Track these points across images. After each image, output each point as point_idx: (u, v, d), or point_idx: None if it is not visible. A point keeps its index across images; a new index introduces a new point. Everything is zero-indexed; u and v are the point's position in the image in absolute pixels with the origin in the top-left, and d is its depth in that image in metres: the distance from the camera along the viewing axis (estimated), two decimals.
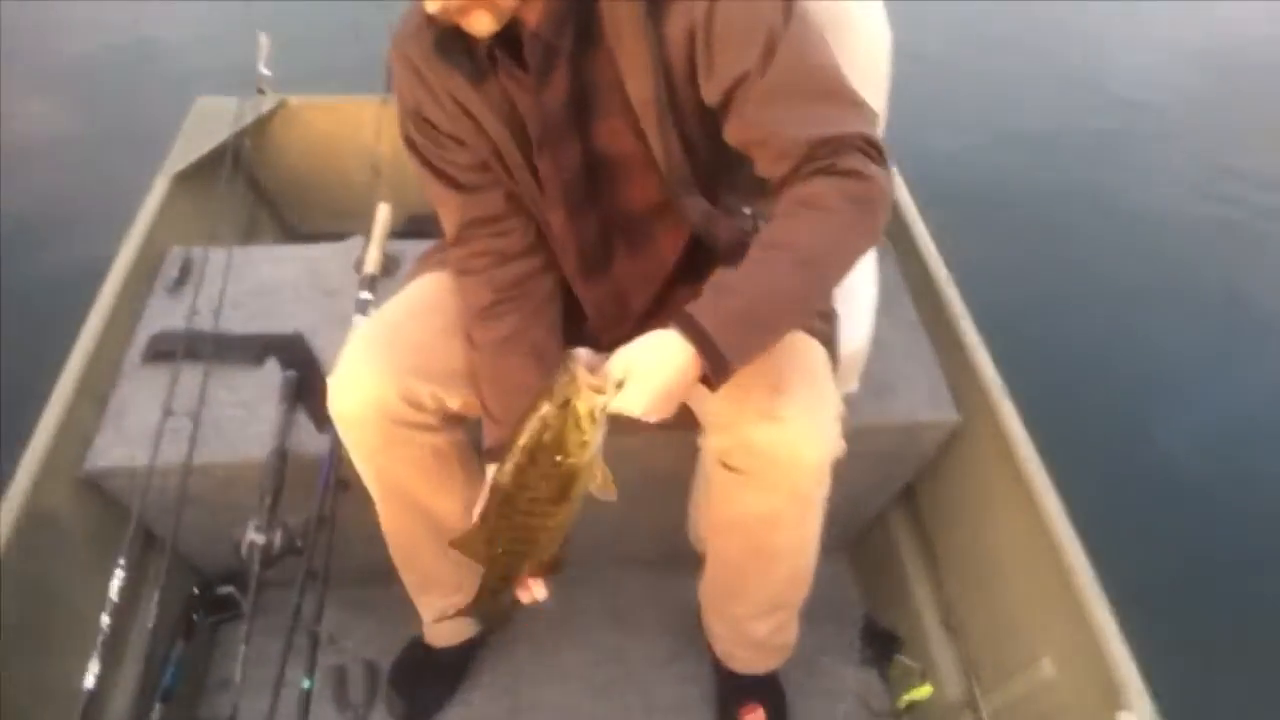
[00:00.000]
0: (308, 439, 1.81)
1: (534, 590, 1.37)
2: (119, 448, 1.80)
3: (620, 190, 1.43)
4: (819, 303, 1.39)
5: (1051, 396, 2.23)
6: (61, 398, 1.81)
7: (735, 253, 1.26)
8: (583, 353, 1.15)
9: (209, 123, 2.54)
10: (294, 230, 2.82)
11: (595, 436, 1.16)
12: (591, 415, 1.14)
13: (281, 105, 2.65)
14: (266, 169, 2.68)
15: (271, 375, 1.92)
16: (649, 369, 1.15)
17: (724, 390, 1.43)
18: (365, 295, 2.03)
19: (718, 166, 1.41)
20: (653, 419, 1.17)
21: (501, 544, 1.29)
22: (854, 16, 1.65)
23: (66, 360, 1.88)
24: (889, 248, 2.24)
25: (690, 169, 1.37)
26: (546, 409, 1.15)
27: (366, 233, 2.21)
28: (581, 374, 1.13)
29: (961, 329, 1.98)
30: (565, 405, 1.13)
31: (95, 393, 1.88)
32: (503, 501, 1.23)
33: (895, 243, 2.24)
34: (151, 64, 4.31)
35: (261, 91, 2.56)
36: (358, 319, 1.97)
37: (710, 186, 1.43)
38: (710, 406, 1.48)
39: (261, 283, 2.15)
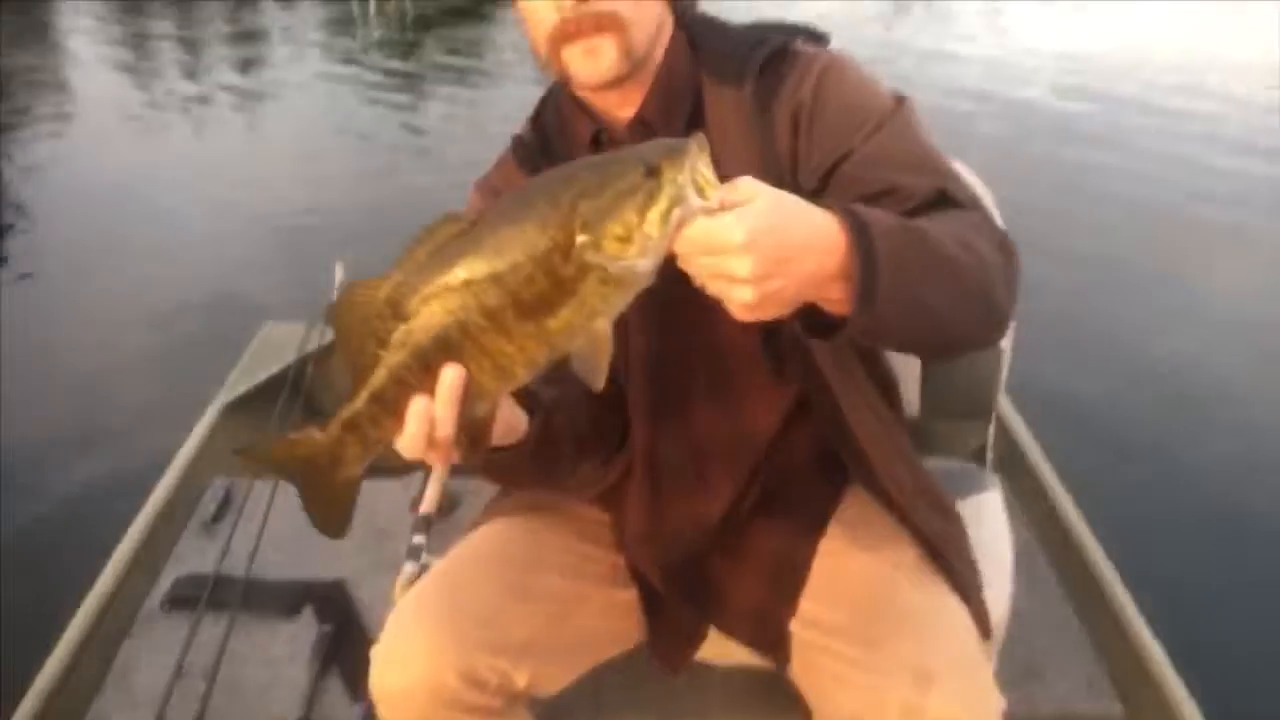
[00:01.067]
0: (338, 710, 1.54)
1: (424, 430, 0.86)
2: (119, 713, 1.55)
3: (712, 326, 1.19)
4: (968, 311, 1.04)
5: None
6: (65, 649, 1.61)
7: (850, 431, 1.16)
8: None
9: (273, 348, 2.46)
10: None
11: (646, 250, 0.78)
12: (667, 212, 0.78)
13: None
14: (328, 395, 2.55)
15: (305, 628, 1.69)
16: (778, 209, 0.84)
17: (853, 672, 1.15)
18: (419, 539, 1.81)
19: None
20: (741, 271, 0.81)
21: (411, 330, 0.82)
22: None
23: (79, 605, 1.68)
24: (1010, 491, 1.98)
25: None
26: (621, 156, 0.80)
27: (424, 466, 2.03)
28: (696, 151, 0.79)
29: (1114, 598, 1.69)
30: (654, 174, 0.78)
31: (105, 644, 1.67)
32: (460, 273, 0.80)
33: (1018, 493, 1.98)
34: (230, 288, 4.42)
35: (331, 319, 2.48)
36: (409, 566, 1.74)
37: None
38: (831, 695, 1.19)
39: (306, 519, 1.95)
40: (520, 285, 0.80)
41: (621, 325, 1.17)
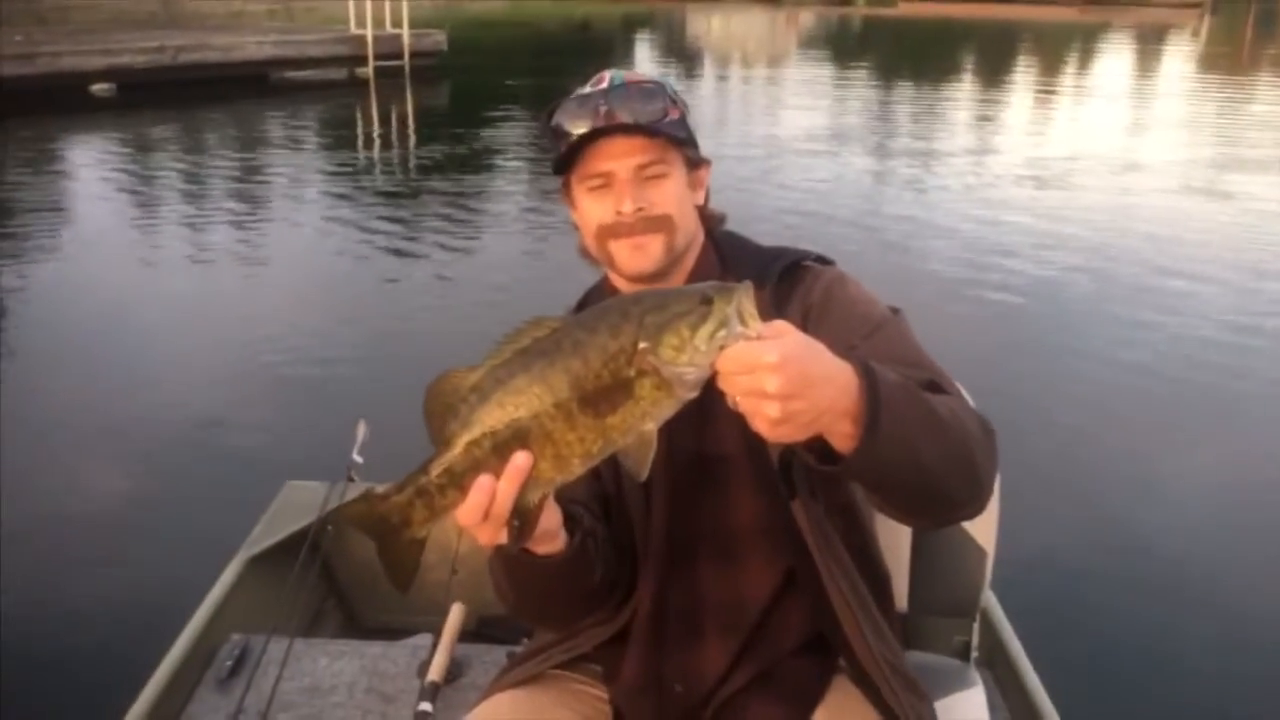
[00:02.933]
0: None
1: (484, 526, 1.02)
2: None
3: (724, 500, 1.37)
4: (953, 468, 1.15)
5: None
6: None
7: (833, 611, 1.29)
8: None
9: (295, 507, 2.54)
10: (359, 622, 2.72)
11: (695, 361, 0.94)
12: (714, 332, 0.94)
13: (369, 492, 2.66)
14: (341, 557, 2.64)
15: None
16: (807, 344, 0.98)
17: None
18: (425, 706, 1.88)
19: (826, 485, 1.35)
20: (771, 387, 0.93)
21: (491, 415, 0.97)
22: None
23: None
24: (993, 688, 2.04)
25: (807, 474, 1.29)
26: (682, 289, 0.97)
27: (433, 629, 2.11)
28: (744, 292, 0.96)
29: None
30: (707, 303, 0.95)
31: None
32: (540, 367, 0.96)
33: (1001, 690, 2.04)
34: (253, 446, 4.48)
35: (351, 479, 2.58)
36: None
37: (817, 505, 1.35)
38: None
39: (317, 681, 2.02)
40: (589, 381, 0.96)
41: (646, 499, 1.33)
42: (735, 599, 1.40)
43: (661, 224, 1.33)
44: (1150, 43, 30.65)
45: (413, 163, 12.13)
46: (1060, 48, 29.12)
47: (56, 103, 14.08)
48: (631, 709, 1.43)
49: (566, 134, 1.34)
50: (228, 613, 2.18)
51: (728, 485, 1.37)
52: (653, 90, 1.35)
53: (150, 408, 4.88)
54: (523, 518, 1.02)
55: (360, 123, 15.15)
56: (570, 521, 1.24)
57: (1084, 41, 30.88)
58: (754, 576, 1.40)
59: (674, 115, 1.36)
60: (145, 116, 14.30)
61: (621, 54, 26.37)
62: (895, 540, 1.73)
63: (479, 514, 1.00)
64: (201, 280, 7.13)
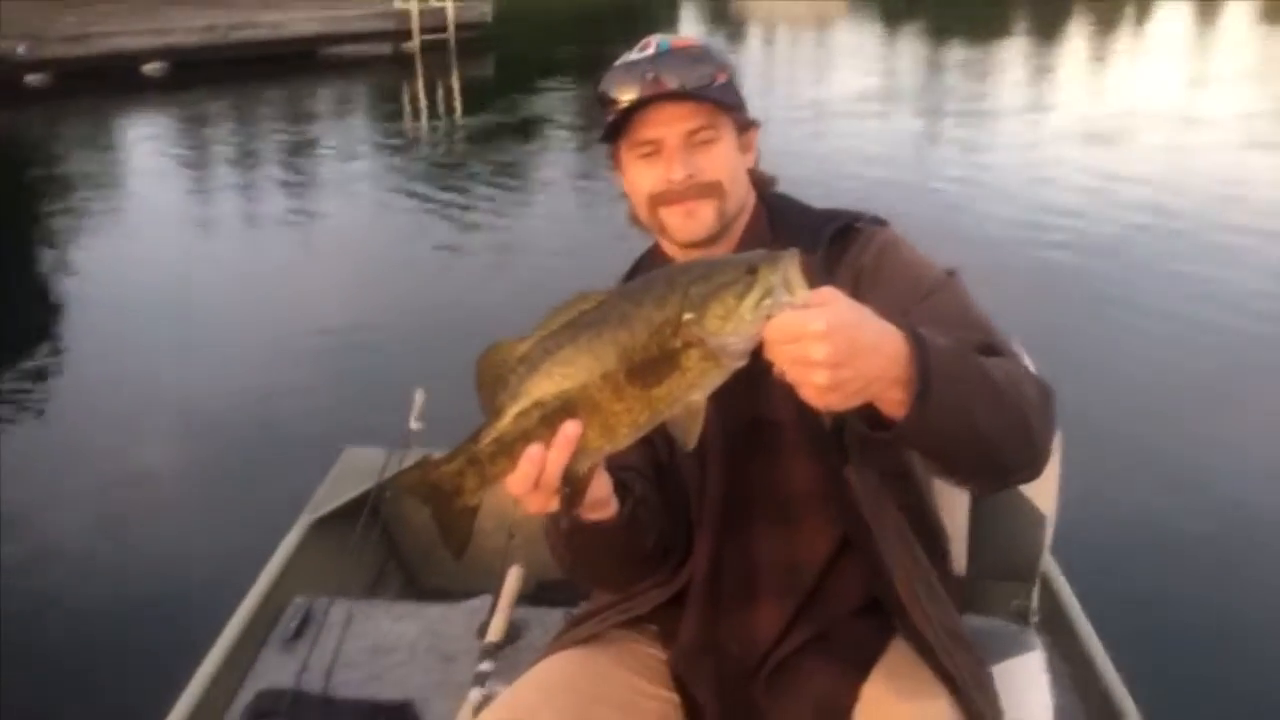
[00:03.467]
0: None
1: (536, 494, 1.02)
2: None
3: (778, 464, 1.37)
4: (1008, 432, 1.13)
5: None
6: None
7: (888, 574, 1.28)
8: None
9: (354, 472, 2.59)
10: (419, 585, 2.77)
11: (740, 330, 0.94)
12: (760, 301, 0.93)
13: (424, 460, 2.70)
14: (400, 522, 2.68)
15: None
16: (855, 310, 0.98)
17: None
18: (485, 666, 1.91)
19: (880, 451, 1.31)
20: (818, 355, 0.93)
21: (539, 386, 0.98)
22: None
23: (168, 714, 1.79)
24: (1053, 653, 2.01)
25: (859, 440, 1.25)
26: (729, 257, 0.97)
27: (492, 592, 2.13)
28: (790, 260, 0.95)
29: None
30: (753, 272, 0.94)
31: None
32: (587, 339, 0.97)
33: (1061, 655, 2.01)
34: (313, 413, 4.57)
35: (409, 446, 2.62)
36: (474, 692, 1.84)
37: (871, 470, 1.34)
38: None
39: (379, 641, 2.07)
40: (635, 352, 0.96)
41: (700, 464, 1.33)
42: (790, 562, 1.40)
43: (712, 190, 1.32)
44: None
45: (461, 135, 12.20)
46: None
47: (109, 83, 14.32)
48: (688, 670, 1.44)
49: (614, 102, 1.33)
50: (291, 575, 2.23)
51: (781, 450, 1.37)
52: (699, 54, 1.34)
53: (213, 376, 4.99)
54: (572, 486, 1.03)
55: (407, 97, 15.23)
56: (622, 489, 1.24)
57: None
58: (809, 540, 1.40)
59: (721, 79, 1.34)
60: (197, 95, 14.51)
61: (667, 18, 26.14)
62: (953, 504, 1.71)
63: (529, 483, 1.01)
64: (259, 253, 7.28)
